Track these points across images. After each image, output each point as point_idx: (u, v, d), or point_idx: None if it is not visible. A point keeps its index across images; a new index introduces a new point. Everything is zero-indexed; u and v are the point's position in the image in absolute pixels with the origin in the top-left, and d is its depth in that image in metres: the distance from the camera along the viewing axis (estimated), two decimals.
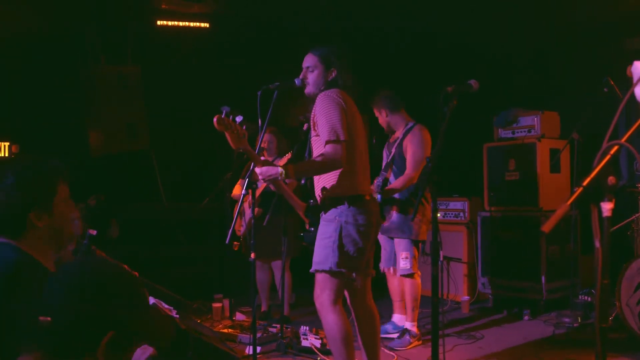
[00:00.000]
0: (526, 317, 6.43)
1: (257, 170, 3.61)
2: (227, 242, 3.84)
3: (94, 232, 3.26)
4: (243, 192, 3.76)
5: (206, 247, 7.87)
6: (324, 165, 3.68)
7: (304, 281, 4.74)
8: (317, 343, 5.06)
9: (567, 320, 6.08)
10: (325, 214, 3.82)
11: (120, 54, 7.95)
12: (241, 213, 6.22)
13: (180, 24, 7.81)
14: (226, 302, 6.39)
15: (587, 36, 7.08)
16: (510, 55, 7.97)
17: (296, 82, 3.88)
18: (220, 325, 5.86)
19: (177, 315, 4.41)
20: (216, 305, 6.31)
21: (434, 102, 3.13)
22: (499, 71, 7.86)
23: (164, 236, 7.90)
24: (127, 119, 7.90)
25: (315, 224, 3.89)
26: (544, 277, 6.59)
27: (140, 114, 7.97)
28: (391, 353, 5.13)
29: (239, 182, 6.39)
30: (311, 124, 3.81)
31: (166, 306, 4.59)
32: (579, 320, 5.99)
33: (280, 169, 3.55)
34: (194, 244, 8.01)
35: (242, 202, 4.00)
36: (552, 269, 6.66)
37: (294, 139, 6.20)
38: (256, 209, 6.01)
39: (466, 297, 7.06)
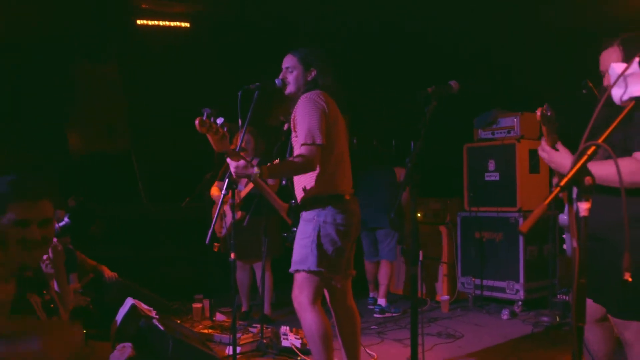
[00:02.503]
0: (505, 317, 6.48)
1: (232, 164, 3.56)
2: (207, 242, 3.83)
3: (68, 221, 3.23)
4: (223, 192, 3.76)
5: (186, 248, 7.84)
6: (297, 167, 3.68)
7: (284, 281, 4.73)
8: (298, 343, 5.06)
9: (545, 319, 6.15)
10: (304, 213, 3.83)
11: (100, 54, 7.89)
12: (221, 215, 6.21)
13: (161, 23, 7.76)
14: (206, 302, 6.37)
15: (567, 38, 7.14)
16: (490, 57, 8.01)
17: (276, 82, 3.88)
18: (201, 326, 5.84)
19: (157, 316, 4.40)
20: (196, 305, 6.29)
21: (415, 102, 3.14)
22: (480, 72, 7.91)
23: (144, 237, 7.85)
24: (107, 119, 7.86)
25: (298, 224, 3.90)
26: (522, 276, 6.65)
27: (121, 113, 7.92)
28: (372, 353, 5.14)
29: (216, 183, 6.38)
30: (292, 125, 3.82)
31: (145, 307, 4.58)
32: (557, 320, 6.05)
33: (256, 169, 3.55)
34: (174, 245, 7.97)
35: (222, 203, 3.99)
36: (531, 269, 6.72)
37: (275, 139, 6.20)
38: (239, 212, 6.01)
39: (446, 297, 7.09)
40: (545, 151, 3.00)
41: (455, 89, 3.15)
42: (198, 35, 7.94)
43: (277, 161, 3.81)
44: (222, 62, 7.92)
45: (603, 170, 2.58)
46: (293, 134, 3.84)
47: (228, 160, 3.58)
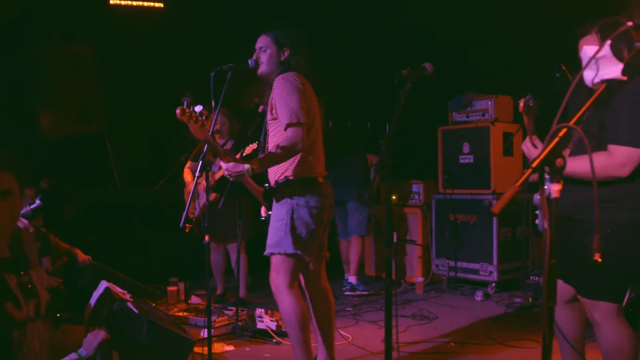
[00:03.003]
0: (479, 298, 6.54)
1: (224, 166, 3.61)
2: (181, 225, 3.82)
3: (40, 203, 3.20)
4: (197, 174, 3.74)
5: (161, 230, 7.80)
6: (287, 151, 3.66)
7: (259, 263, 4.74)
8: (273, 325, 5.07)
9: (518, 300, 6.22)
10: (278, 197, 3.83)
11: (73, 34, 7.79)
12: (195, 196, 6.19)
13: (134, 3, 7.67)
14: (181, 285, 6.36)
15: (541, 22, 7.16)
16: (465, 40, 8.02)
17: (250, 63, 3.85)
18: (176, 309, 5.83)
19: (131, 299, 4.38)
20: (171, 288, 6.28)
21: (390, 85, 3.14)
22: (455, 55, 7.92)
23: (118, 220, 7.80)
24: (80, 101, 7.77)
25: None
26: (496, 258, 6.71)
27: (94, 95, 7.84)
28: (346, 334, 5.17)
29: (188, 164, 6.33)
30: (268, 107, 3.80)
31: (120, 290, 4.55)
32: (530, 301, 6.12)
33: (246, 166, 3.56)
34: (148, 227, 7.94)
35: (196, 185, 3.97)
36: (504, 251, 6.78)
37: (249, 121, 6.18)
38: (213, 194, 5.98)
39: (420, 279, 7.14)
40: (527, 147, 3.06)
41: (429, 71, 3.15)
42: (172, 15, 7.87)
43: (251, 144, 3.80)
44: (196, 42, 7.86)
45: (575, 167, 2.60)
46: (269, 116, 3.82)
47: (207, 149, 3.58)
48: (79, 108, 7.77)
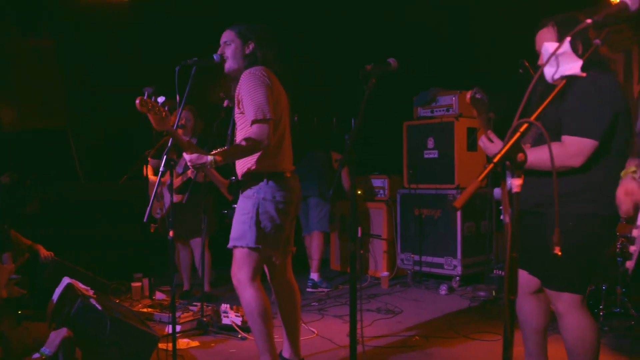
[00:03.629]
0: (443, 292, 6.60)
1: (187, 157, 3.57)
2: (145, 220, 3.78)
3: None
4: (162, 169, 3.70)
5: (125, 226, 7.72)
6: (251, 147, 3.65)
7: (224, 259, 4.72)
8: (238, 320, 5.06)
9: (482, 294, 6.30)
10: (244, 190, 3.82)
11: (34, 28, 7.66)
12: (158, 196, 6.16)
13: None
14: (145, 281, 6.32)
15: (505, 19, 7.24)
16: (430, 36, 8.07)
17: (215, 57, 3.83)
18: (140, 305, 5.79)
19: (95, 295, 4.34)
20: (135, 284, 6.23)
21: (355, 80, 3.15)
22: (421, 51, 7.97)
23: (81, 215, 7.70)
24: (42, 94, 7.65)
25: (237, 200, 3.89)
26: (460, 252, 6.78)
27: (56, 89, 7.73)
28: (312, 329, 5.18)
29: (150, 161, 6.28)
30: (235, 101, 3.78)
31: (83, 286, 4.51)
32: (494, 294, 6.20)
33: (210, 158, 3.53)
34: (112, 223, 7.85)
35: (159, 184, 3.94)
36: (468, 245, 6.86)
37: (214, 115, 6.14)
38: (178, 196, 5.97)
39: (386, 273, 7.19)
40: (483, 142, 3.10)
41: (394, 67, 3.17)
42: (137, 9, 7.78)
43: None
44: (161, 37, 7.78)
45: (531, 157, 2.65)
46: (237, 111, 3.81)
47: (171, 144, 3.56)
48: (41, 102, 7.65)
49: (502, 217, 3.53)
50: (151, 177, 6.27)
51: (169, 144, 3.64)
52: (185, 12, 7.84)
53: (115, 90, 7.57)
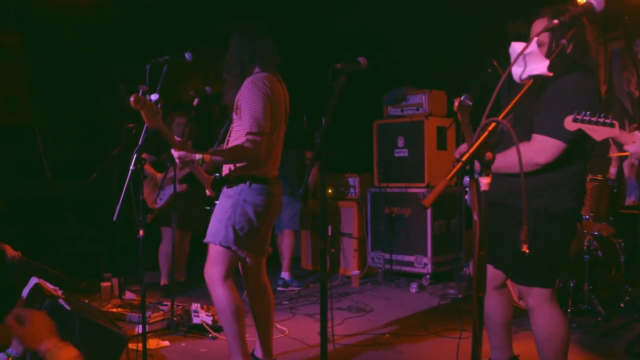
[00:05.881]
0: (414, 290, 6.64)
1: (175, 154, 3.60)
2: (114, 219, 3.76)
3: None
4: (132, 167, 3.67)
5: (94, 225, 7.64)
6: (242, 156, 3.72)
7: (197, 258, 4.71)
8: (209, 320, 5.04)
9: (452, 291, 6.35)
10: (226, 189, 3.85)
11: (1, 22, 7.54)
12: (157, 186, 6.22)
13: None
14: (115, 280, 6.26)
15: (474, 20, 7.30)
16: (400, 35, 8.11)
17: (187, 56, 3.82)
18: (109, 305, 5.73)
19: (63, 295, 4.29)
20: (105, 284, 6.17)
21: (324, 79, 3.16)
22: (391, 49, 8.00)
23: (49, 215, 7.60)
24: (7, 92, 7.52)
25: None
26: (430, 251, 6.83)
27: (23, 86, 7.60)
28: (283, 328, 5.18)
29: (146, 158, 6.29)
30: (234, 106, 3.80)
31: (51, 286, 4.45)
32: (464, 292, 6.25)
33: (198, 156, 3.57)
34: (81, 222, 7.76)
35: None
36: (439, 243, 6.91)
37: (185, 112, 6.13)
38: (184, 185, 6.18)
39: (356, 272, 7.21)
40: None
41: (363, 65, 3.18)
42: (105, 5, 7.69)
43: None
44: (130, 33, 7.71)
45: (500, 161, 2.67)
46: (235, 116, 3.83)
47: (173, 152, 3.58)
48: (7, 99, 7.52)
49: (466, 197, 3.56)
50: (150, 170, 6.29)
51: (140, 142, 3.64)
52: (156, 9, 7.78)
53: (84, 88, 7.49)
